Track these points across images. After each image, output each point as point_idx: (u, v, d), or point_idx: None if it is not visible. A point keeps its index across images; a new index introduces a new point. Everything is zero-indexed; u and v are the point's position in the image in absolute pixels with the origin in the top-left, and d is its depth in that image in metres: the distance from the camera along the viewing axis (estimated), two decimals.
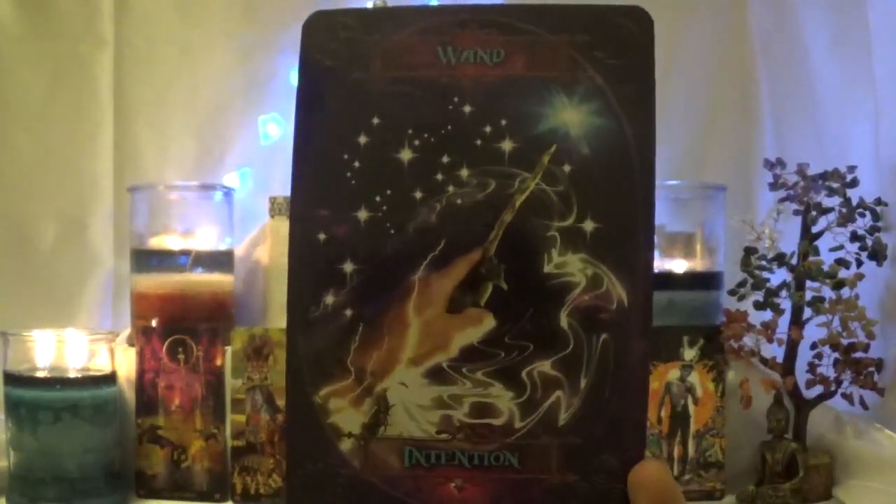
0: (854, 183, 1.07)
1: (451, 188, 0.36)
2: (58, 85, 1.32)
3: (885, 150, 1.18)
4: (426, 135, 0.36)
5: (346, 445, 0.36)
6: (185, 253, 1.16)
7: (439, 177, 0.36)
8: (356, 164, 0.37)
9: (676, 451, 1.07)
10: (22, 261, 1.31)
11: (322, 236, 0.36)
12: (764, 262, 1.09)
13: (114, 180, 1.32)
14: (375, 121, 0.37)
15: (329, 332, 0.36)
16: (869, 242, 1.06)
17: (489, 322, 0.35)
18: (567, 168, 0.36)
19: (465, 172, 0.36)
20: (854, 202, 1.07)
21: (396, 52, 0.37)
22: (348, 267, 0.36)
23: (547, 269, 0.35)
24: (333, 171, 0.37)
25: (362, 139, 0.37)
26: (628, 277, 0.35)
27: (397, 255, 0.36)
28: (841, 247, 1.07)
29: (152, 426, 1.07)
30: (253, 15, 1.35)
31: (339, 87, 0.37)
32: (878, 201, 1.08)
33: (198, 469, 1.07)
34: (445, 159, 0.36)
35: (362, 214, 0.36)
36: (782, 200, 1.09)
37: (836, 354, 1.05)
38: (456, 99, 0.36)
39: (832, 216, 1.07)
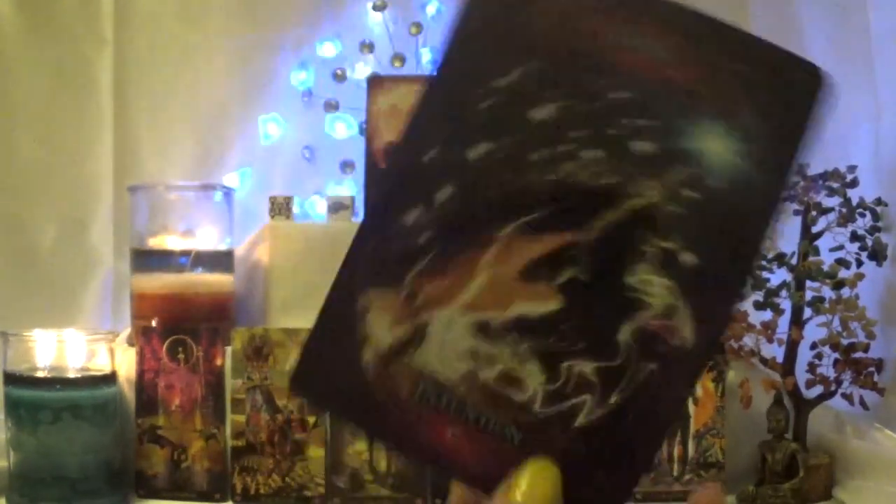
0: (854, 183, 1.07)
1: (571, 164, 0.34)
2: (58, 85, 1.32)
3: (885, 150, 1.18)
4: (569, 102, 0.34)
5: (367, 354, 0.35)
6: (185, 253, 1.16)
7: (564, 148, 0.34)
8: (488, 103, 0.35)
9: (676, 451, 1.07)
10: (22, 261, 1.31)
11: (428, 157, 0.35)
12: (764, 262, 1.09)
13: (114, 180, 1.33)
14: (523, 70, 0.35)
15: (401, 244, 0.35)
16: (869, 242, 1.06)
17: (555, 304, 0.34)
18: (690, 194, 0.34)
19: (591, 155, 0.34)
20: (854, 202, 1.07)
21: (571, 12, 0.35)
22: (443, 195, 0.34)
23: (629, 280, 0.34)
24: (464, 102, 0.35)
25: (503, 81, 0.35)
26: (703, 323, 0.34)
27: (494, 205, 0.34)
28: (841, 247, 1.07)
29: (152, 426, 1.07)
30: (253, 16, 1.35)
31: (501, 23, 0.35)
32: (878, 201, 1.08)
33: (198, 469, 1.07)
34: (577, 134, 0.34)
35: (474, 153, 0.34)
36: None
37: (836, 354, 1.05)
38: (611, 80, 0.34)
39: (832, 216, 1.07)
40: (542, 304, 0.34)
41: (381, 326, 0.35)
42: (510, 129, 0.34)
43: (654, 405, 0.34)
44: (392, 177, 0.35)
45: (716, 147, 0.34)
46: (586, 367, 0.34)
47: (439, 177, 0.35)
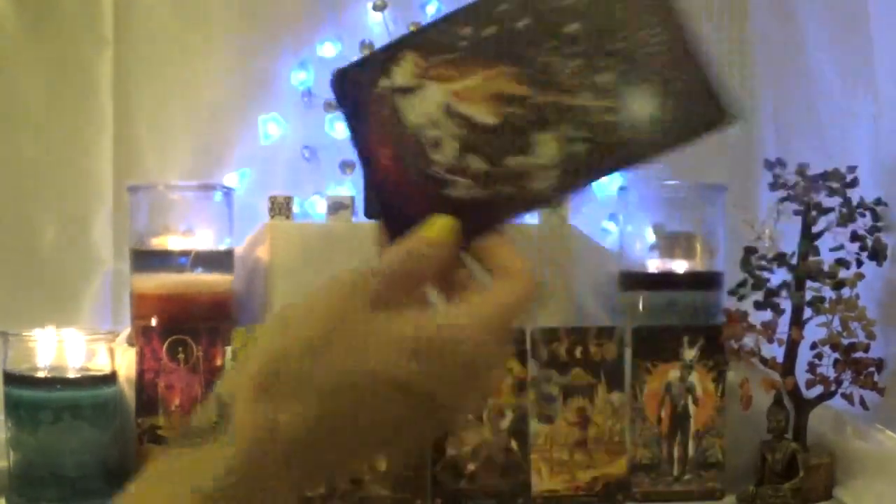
0: (854, 183, 1.07)
1: (556, 59, 0.48)
2: (58, 85, 1.32)
3: (885, 150, 1.18)
4: (590, 29, 0.47)
5: (384, 83, 0.50)
6: (185, 253, 1.16)
7: (569, 50, 0.47)
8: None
9: (676, 451, 1.07)
10: (22, 261, 1.31)
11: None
12: (764, 262, 1.09)
13: (114, 180, 1.32)
14: None
15: (449, 41, 0.49)
16: (869, 242, 1.06)
17: (492, 121, 0.48)
18: (608, 118, 0.47)
19: (575, 63, 0.47)
20: (854, 202, 1.07)
21: None
22: (489, 31, 0.49)
23: (538, 134, 0.48)
24: None
25: None
26: (556, 190, 0.48)
27: (512, 52, 0.48)
28: (841, 247, 1.07)
29: (152, 426, 1.07)
30: (253, 15, 1.35)
31: None
32: (878, 201, 1.08)
33: None
34: (581, 49, 0.47)
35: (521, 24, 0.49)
36: (782, 200, 1.09)
37: (836, 354, 1.05)
38: (639, 29, 0.48)
39: (832, 216, 1.07)
40: (486, 116, 0.49)
41: (404, 72, 0.50)
42: (550, 31, 0.48)
43: (494, 216, 0.48)
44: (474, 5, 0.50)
45: (641, 103, 0.47)
46: (480, 166, 0.48)
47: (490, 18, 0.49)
